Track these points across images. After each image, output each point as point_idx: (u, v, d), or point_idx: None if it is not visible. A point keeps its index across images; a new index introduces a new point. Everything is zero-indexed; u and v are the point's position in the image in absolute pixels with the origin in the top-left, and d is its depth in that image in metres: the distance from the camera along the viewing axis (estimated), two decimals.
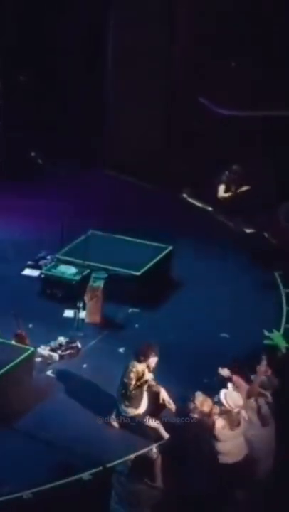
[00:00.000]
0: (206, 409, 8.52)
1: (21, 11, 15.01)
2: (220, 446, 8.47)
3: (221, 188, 13.99)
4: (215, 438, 8.45)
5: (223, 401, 8.55)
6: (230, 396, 8.60)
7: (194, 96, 15.19)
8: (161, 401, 9.34)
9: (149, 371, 9.33)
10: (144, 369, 9.28)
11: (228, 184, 13.96)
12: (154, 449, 8.41)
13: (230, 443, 8.51)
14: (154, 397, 9.38)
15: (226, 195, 13.96)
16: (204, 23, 14.98)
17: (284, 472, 8.78)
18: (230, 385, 8.81)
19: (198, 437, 8.54)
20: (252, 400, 8.86)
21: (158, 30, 15.07)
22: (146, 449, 8.63)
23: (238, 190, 13.87)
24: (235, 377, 8.91)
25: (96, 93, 15.58)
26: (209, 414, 8.51)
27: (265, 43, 14.92)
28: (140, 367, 9.27)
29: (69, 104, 15.29)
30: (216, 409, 8.52)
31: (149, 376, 9.28)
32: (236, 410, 8.53)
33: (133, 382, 9.19)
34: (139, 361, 9.28)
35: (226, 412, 8.51)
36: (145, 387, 9.29)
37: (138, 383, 9.21)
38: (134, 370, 9.22)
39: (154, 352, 9.32)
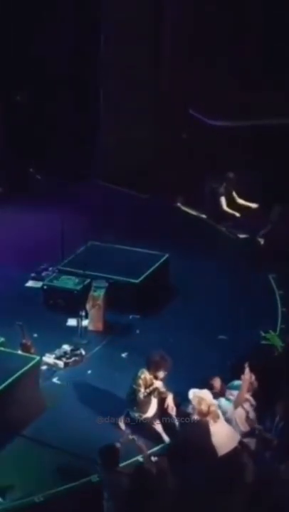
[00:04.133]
0: (204, 408, 8.66)
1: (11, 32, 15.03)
2: (213, 440, 8.63)
3: (223, 200, 14.02)
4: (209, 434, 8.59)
5: (192, 400, 8.75)
6: (199, 394, 8.81)
7: (184, 107, 15.24)
8: (165, 406, 9.41)
9: (156, 379, 9.38)
10: (152, 377, 9.34)
11: (228, 194, 13.99)
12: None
13: (219, 435, 8.68)
14: (162, 401, 9.46)
15: (230, 210, 13.97)
16: (192, 34, 15.06)
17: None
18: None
19: (195, 437, 8.64)
20: (239, 408, 9.06)
21: (147, 44, 15.13)
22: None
23: (247, 205, 13.90)
24: (243, 378, 9.04)
25: (88, 108, 15.62)
26: (208, 413, 8.65)
27: (253, 53, 15.06)
28: (148, 375, 9.33)
29: (62, 120, 15.31)
30: (214, 407, 8.67)
31: (158, 384, 9.33)
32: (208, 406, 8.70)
33: (142, 389, 9.25)
34: (149, 370, 9.34)
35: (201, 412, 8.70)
36: (154, 394, 9.35)
37: (148, 391, 9.27)
38: (142, 377, 9.28)
39: (164, 367, 9.34)
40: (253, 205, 13.91)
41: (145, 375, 9.33)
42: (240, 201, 13.98)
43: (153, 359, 9.40)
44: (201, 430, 8.68)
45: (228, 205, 14.07)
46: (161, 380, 9.41)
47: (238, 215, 14.01)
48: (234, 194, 13.92)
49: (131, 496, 7.99)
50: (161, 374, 9.39)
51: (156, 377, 9.37)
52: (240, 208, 14.01)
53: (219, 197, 13.94)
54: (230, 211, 14.04)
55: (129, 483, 8.05)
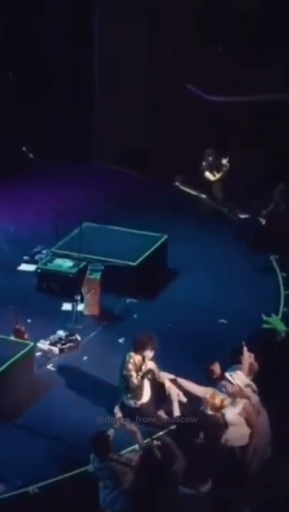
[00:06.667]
0: (217, 402, 8.41)
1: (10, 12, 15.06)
2: (230, 431, 8.36)
3: (207, 174, 14.14)
4: (227, 424, 8.34)
5: (232, 381, 8.52)
6: (237, 376, 8.60)
7: (181, 85, 15.23)
8: (166, 393, 9.19)
9: (144, 361, 9.23)
10: (141, 359, 9.21)
11: (211, 168, 14.07)
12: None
13: (239, 428, 8.42)
14: (158, 387, 9.29)
15: (216, 177, 14.12)
16: (188, 12, 15.03)
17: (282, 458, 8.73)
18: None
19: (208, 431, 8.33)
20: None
21: (145, 20, 15.15)
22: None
23: (224, 166, 14.00)
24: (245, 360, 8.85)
25: (85, 86, 15.63)
26: (221, 407, 8.41)
27: (251, 28, 14.96)
28: (137, 357, 9.21)
29: (58, 97, 15.34)
30: (227, 401, 8.44)
31: (151, 365, 9.20)
32: (246, 389, 8.50)
33: (133, 373, 9.13)
34: (136, 352, 9.22)
35: (237, 393, 8.46)
36: (149, 377, 9.19)
37: (140, 374, 9.14)
38: (131, 361, 9.18)
39: (151, 346, 9.22)
40: (225, 161, 14.00)
41: (133, 358, 9.20)
42: (217, 175, 14.18)
43: (138, 339, 9.28)
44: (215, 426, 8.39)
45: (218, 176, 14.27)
46: (151, 359, 9.25)
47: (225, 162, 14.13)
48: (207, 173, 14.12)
49: (136, 483, 7.85)
50: (148, 354, 9.23)
51: (144, 359, 9.22)
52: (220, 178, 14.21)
53: (202, 174, 14.12)
54: (217, 177, 14.18)
55: (134, 469, 7.91)
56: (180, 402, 9.12)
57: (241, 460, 8.46)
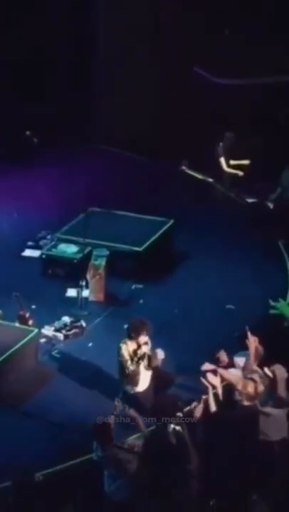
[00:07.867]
0: (250, 390, 8.10)
1: None
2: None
3: (222, 160, 14.01)
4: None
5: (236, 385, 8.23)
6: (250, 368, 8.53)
7: (186, 68, 15.14)
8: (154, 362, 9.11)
9: (140, 347, 9.11)
10: (136, 345, 9.11)
11: (226, 154, 13.95)
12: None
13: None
14: (157, 376, 9.21)
15: (229, 169, 14.02)
16: (188, 12, 14.90)
17: None
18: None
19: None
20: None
21: (144, 24, 15.11)
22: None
23: (240, 164, 13.91)
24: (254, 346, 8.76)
25: (88, 69, 15.64)
26: (256, 395, 8.10)
27: (256, 10, 14.85)
28: (131, 344, 9.13)
29: (61, 80, 15.37)
30: (261, 386, 8.13)
31: (145, 349, 9.09)
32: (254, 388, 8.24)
33: (128, 359, 9.04)
34: (131, 338, 9.13)
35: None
36: (145, 363, 9.09)
37: (136, 359, 9.06)
38: (124, 347, 9.10)
39: (145, 331, 9.12)
40: (245, 162, 13.93)
41: (127, 345, 9.13)
42: (232, 162, 14.04)
43: (132, 325, 9.21)
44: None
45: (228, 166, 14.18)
46: (145, 344, 9.14)
47: (240, 173, 14.01)
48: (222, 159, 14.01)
49: (140, 470, 7.77)
50: (143, 339, 9.12)
51: (139, 345, 9.12)
52: (234, 168, 14.07)
53: (218, 158, 13.99)
54: (231, 171, 14.06)
55: (138, 456, 7.86)
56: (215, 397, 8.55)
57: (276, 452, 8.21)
